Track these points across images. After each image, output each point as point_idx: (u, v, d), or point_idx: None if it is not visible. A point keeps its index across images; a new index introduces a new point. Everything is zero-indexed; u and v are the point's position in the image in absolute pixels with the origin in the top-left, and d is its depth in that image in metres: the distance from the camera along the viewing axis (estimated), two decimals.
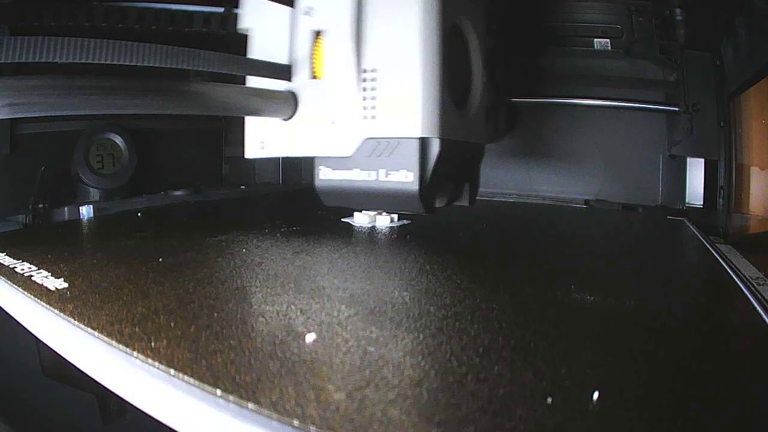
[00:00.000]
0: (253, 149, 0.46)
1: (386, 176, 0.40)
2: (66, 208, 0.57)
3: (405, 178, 0.39)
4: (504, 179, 0.79)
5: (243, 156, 0.47)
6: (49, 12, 0.57)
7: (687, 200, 0.69)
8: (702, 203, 0.68)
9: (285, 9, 0.43)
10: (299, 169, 0.93)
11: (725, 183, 0.65)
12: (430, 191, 0.40)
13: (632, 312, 0.26)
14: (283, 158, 0.87)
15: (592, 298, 0.28)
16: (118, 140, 0.67)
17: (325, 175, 0.43)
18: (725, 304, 0.29)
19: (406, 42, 0.39)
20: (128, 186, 0.68)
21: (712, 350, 0.22)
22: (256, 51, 0.45)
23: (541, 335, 0.22)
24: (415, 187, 0.39)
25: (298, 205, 0.75)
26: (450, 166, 0.41)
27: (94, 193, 0.64)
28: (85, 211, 0.57)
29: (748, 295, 0.29)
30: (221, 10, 0.64)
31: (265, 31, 0.45)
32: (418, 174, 0.39)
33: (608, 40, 0.69)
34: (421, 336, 0.21)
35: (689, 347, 0.22)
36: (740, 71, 0.60)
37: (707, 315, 0.27)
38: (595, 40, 0.70)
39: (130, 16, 0.61)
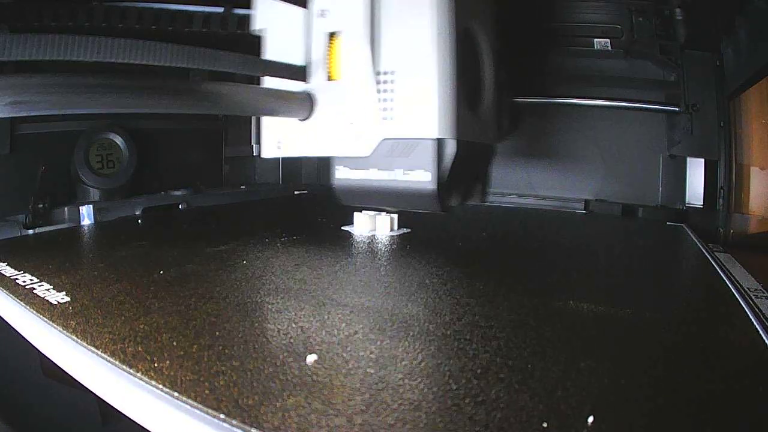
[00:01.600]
0: (271, 149, 0.46)
1: (404, 176, 0.41)
2: (66, 208, 0.57)
3: (422, 177, 0.40)
4: (504, 179, 0.78)
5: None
6: (49, 12, 0.57)
7: (687, 200, 0.69)
8: (702, 203, 0.68)
9: (299, 10, 0.43)
10: (299, 169, 0.93)
11: (725, 183, 0.65)
12: (447, 190, 0.41)
13: (627, 329, 0.27)
14: (284, 159, 0.87)
15: (588, 313, 0.28)
16: (118, 140, 0.67)
17: (342, 175, 0.44)
18: (722, 320, 0.29)
19: (422, 44, 0.39)
20: (128, 186, 0.68)
21: (709, 371, 0.22)
22: (271, 52, 0.46)
23: (538, 355, 0.22)
24: (433, 186, 0.40)
25: (298, 210, 0.75)
26: (464, 165, 0.42)
27: (94, 193, 0.65)
28: (85, 211, 0.57)
29: (746, 309, 0.29)
30: (221, 10, 0.64)
31: (279, 33, 0.45)
32: (435, 174, 0.40)
33: (608, 40, 0.69)
34: (420, 356, 0.22)
35: (686, 368, 0.22)
36: (740, 71, 0.60)
37: (704, 333, 0.27)
38: (595, 40, 0.70)
39: (130, 16, 0.61)
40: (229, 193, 0.77)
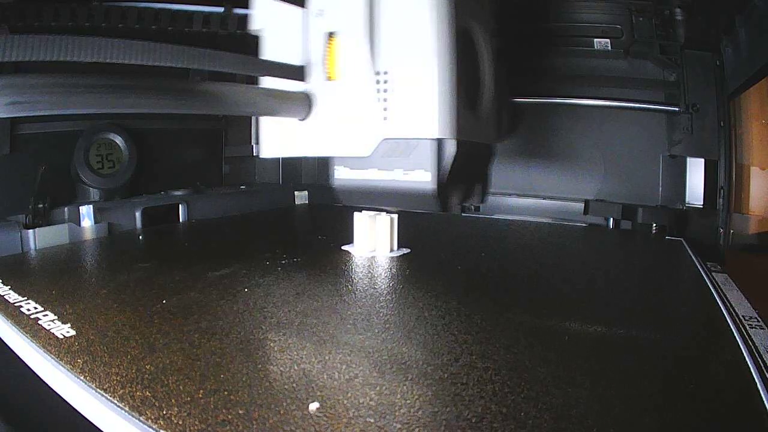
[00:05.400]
0: (269, 149, 0.46)
1: (404, 176, 0.41)
2: (66, 208, 0.57)
3: (422, 177, 0.40)
4: (504, 179, 0.78)
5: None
6: (49, 12, 0.57)
7: (687, 200, 0.69)
8: (702, 203, 0.68)
9: (297, 10, 0.43)
10: (299, 169, 0.93)
11: (725, 183, 0.65)
12: (446, 190, 0.41)
13: (620, 367, 0.27)
14: (284, 159, 0.87)
15: (579, 348, 0.28)
16: (118, 140, 0.67)
17: (342, 175, 0.44)
18: (714, 355, 0.28)
19: (421, 44, 0.39)
20: (128, 186, 0.68)
21: (699, 417, 0.21)
22: (270, 52, 0.45)
23: (532, 401, 0.22)
24: (432, 186, 0.40)
25: (298, 225, 0.75)
26: (464, 166, 0.42)
27: (94, 193, 0.65)
28: (85, 211, 0.57)
29: (738, 341, 0.29)
30: (221, 10, 0.64)
31: (278, 33, 0.45)
32: (435, 174, 0.40)
33: (608, 40, 0.69)
34: (418, 403, 0.22)
35: (675, 415, 0.21)
36: (740, 71, 0.60)
37: (695, 370, 0.26)
38: (595, 40, 0.70)
39: (130, 16, 0.61)
40: (229, 193, 0.77)
